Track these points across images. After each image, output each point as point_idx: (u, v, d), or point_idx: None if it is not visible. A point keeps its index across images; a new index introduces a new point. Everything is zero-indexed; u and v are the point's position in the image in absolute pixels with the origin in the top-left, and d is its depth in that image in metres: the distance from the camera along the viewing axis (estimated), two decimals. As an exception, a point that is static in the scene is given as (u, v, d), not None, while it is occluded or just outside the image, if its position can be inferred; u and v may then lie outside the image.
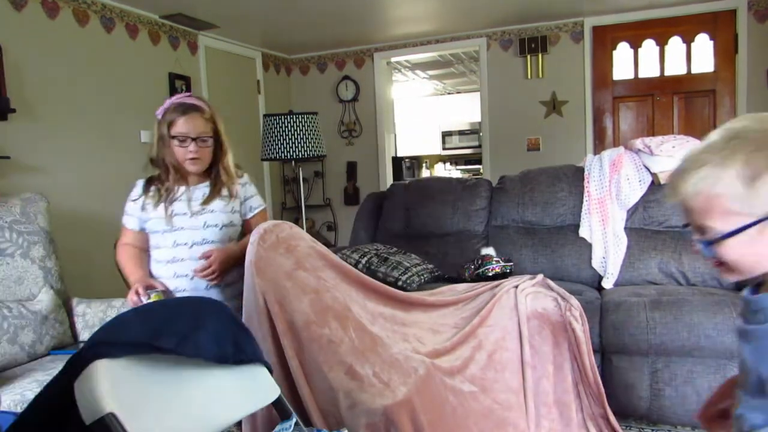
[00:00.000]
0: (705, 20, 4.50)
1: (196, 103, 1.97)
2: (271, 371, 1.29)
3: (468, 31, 5.06)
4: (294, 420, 1.26)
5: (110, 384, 0.92)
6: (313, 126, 3.58)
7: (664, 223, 2.92)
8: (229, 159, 2.05)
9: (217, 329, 1.16)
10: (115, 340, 0.99)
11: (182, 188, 2.01)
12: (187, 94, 2.06)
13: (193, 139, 1.93)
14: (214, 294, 1.98)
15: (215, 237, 2.00)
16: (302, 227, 2.38)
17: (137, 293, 1.84)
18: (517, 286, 2.43)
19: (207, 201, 2.00)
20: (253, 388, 1.24)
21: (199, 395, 1.11)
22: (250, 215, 2.12)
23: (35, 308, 2.29)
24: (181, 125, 1.92)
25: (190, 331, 1.10)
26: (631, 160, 3.01)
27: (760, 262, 0.85)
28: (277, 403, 1.28)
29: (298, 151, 3.51)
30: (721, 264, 0.88)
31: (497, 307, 2.30)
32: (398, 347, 1.89)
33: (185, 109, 1.94)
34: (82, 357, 0.94)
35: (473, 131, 7.55)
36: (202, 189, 2.03)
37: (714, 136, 0.86)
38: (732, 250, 0.85)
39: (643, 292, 2.57)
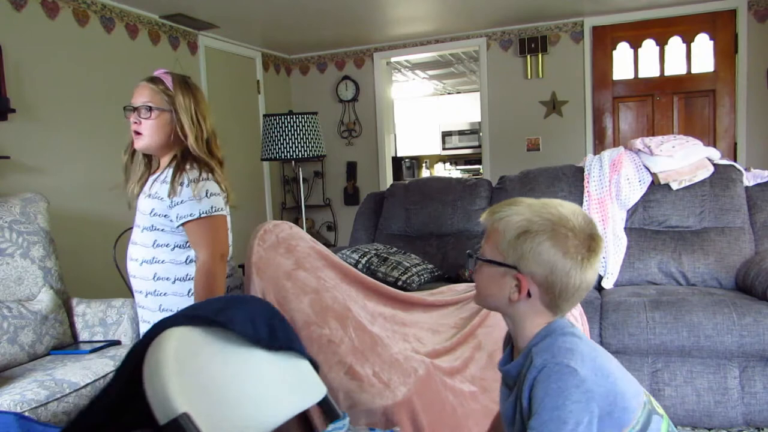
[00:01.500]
0: (705, 20, 4.50)
1: (155, 74, 1.75)
2: (317, 368, 1.28)
3: (468, 31, 5.06)
4: (347, 419, 1.25)
5: (179, 384, 0.92)
6: (313, 126, 3.58)
7: (664, 223, 2.92)
8: (191, 144, 1.69)
9: (253, 310, 1.20)
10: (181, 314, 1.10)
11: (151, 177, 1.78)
12: (165, 70, 1.78)
13: (135, 109, 1.70)
14: None
15: (139, 239, 1.75)
16: (302, 227, 2.38)
17: None
18: (517, 286, 2.42)
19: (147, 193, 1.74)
20: (300, 380, 1.23)
21: (253, 391, 1.12)
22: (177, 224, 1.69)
23: (35, 308, 2.29)
24: (133, 96, 1.73)
25: (226, 307, 1.15)
26: (631, 160, 3.02)
27: (492, 298, 1.06)
28: (323, 403, 1.26)
29: (298, 151, 3.51)
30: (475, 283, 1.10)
31: (497, 307, 2.30)
32: (398, 347, 1.88)
33: (142, 80, 1.75)
34: (144, 338, 1.02)
35: (473, 131, 7.55)
36: (159, 179, 1.73)
37: (540, 202, 1.06)
38: (481, 274, 1.07)
39: (643, 292, 2.57)
